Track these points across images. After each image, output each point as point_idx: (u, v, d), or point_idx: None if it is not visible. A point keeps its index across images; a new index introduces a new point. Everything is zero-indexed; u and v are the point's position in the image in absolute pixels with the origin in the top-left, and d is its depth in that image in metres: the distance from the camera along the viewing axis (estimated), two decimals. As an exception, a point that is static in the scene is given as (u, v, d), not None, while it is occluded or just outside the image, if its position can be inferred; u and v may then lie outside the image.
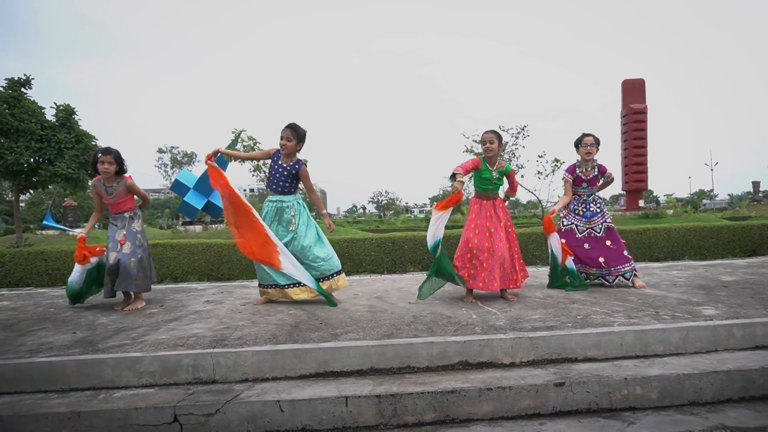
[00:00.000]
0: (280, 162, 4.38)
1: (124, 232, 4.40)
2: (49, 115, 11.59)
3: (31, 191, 12.68)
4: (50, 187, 12.10)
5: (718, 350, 3.11)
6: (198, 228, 22.91)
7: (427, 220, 21.34)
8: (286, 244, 4.27)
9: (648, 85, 20.16)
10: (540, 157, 12.36)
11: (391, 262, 7.45)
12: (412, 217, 45.83)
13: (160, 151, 69.40)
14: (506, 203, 4.59)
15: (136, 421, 2.51)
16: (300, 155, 4.46)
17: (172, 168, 68.68)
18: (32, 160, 11.11)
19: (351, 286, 5.32)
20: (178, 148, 69.73)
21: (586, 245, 4.84)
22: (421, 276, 6.31)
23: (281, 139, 4.32)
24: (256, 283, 6.03)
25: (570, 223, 4.92)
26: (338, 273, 4.44)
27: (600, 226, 4.86)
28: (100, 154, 4.33)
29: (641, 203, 20.76)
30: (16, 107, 11.00)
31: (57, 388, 2.82)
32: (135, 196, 4.58)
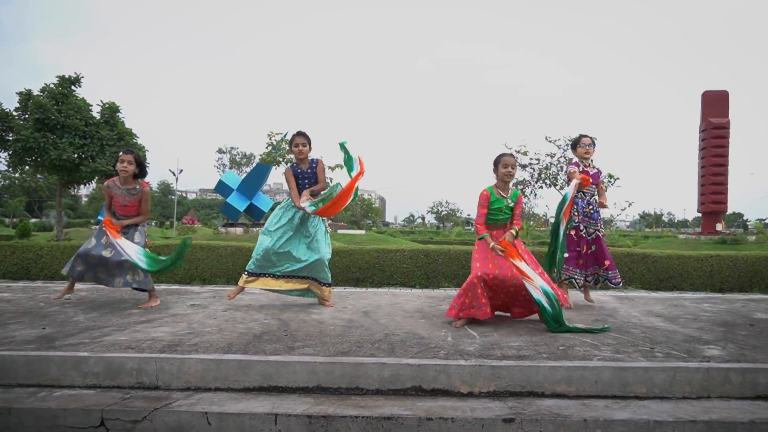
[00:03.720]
0: (300, 169, 4.67)
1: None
2: (96, 112, 12.19)
3: (75, 186, 13.33)
4: (93, 182, 12.72)
5: (711, 397, 2.73)
6: (239, 230, 23.40)
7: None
8: (309, 244, 4.58)
9: (735, 96, 18.77)
10: None
11: (424, 276, 7.20)
12: (473, 230, 44.37)
13: (220, 151, 70.65)
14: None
15: (63, 422, 2.47)
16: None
17: (231, 169, 70.50)
18: (75, 156, 11.66)
19: (346, 299, 5.18)
20: (237, 149, 70.91)
21: (593, 247, 4.72)
22: (453, 292, 6.04)
23: (295, 146, 4.62)
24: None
25: (578, 223, 4.72)
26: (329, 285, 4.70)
27: (602, 228, 4.78)
28: (121, 153, 4.45)
29: (719, 227, 19.34)
30: (64, 104, 11.62)
31: (5, 382, 2.83)
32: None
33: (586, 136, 4.89)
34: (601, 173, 4.90)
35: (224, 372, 2.81)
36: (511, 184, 4.15)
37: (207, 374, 2.81)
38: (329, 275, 4.65)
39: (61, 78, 12.17)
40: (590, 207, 4.76)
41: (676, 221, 79.42)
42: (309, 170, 4.67)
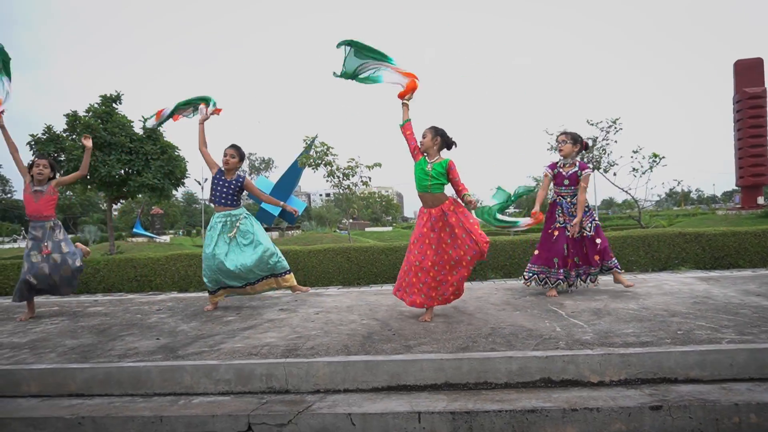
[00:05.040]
0: (223, 178, 4.74)
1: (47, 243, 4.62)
2: (137, 127, 12.47)
3: (122, 201, 13.66)
4: (139, 196, 13.00)
5: None
6: (275, 234, 23.70)
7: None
8: (245, 251, 4.62)
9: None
10: (635, 152, 11.27)
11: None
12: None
13: (239, 157, 71.75)
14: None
15: (212, 428, 2.55)
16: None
17: (250, 174, 71.09)
18: (122, 171, 11.99)
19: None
20: (255, 154, 72.38)
21: (584, 246, 4.77)
22: (502, 283, 6.07)
23: (224, 156, 4.74)
24: (330, 290, 6.10)
25: (564, 224, 4.76)
26: (288, 272, 4.82)
27: (589, 224, 4.75)
28: (35, 158, 4.76)
29: (760, 200, 18.86)
30: (109, 122, 11.95)
31: (142, 392, 2.93)
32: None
33: (563, 133, 4.80)
34: (585, 169, 4.70)
35: (352, 373, 2.85)
36: (442, 154, 4.02)
37: (335, 376, 2.86)
38: (284, 262, 4.75)
39: (104, 97, 12.48)
40: (574, 207, 4.74)
41: (705, 197, 77.35)
42: (233, 182, 4.75)
